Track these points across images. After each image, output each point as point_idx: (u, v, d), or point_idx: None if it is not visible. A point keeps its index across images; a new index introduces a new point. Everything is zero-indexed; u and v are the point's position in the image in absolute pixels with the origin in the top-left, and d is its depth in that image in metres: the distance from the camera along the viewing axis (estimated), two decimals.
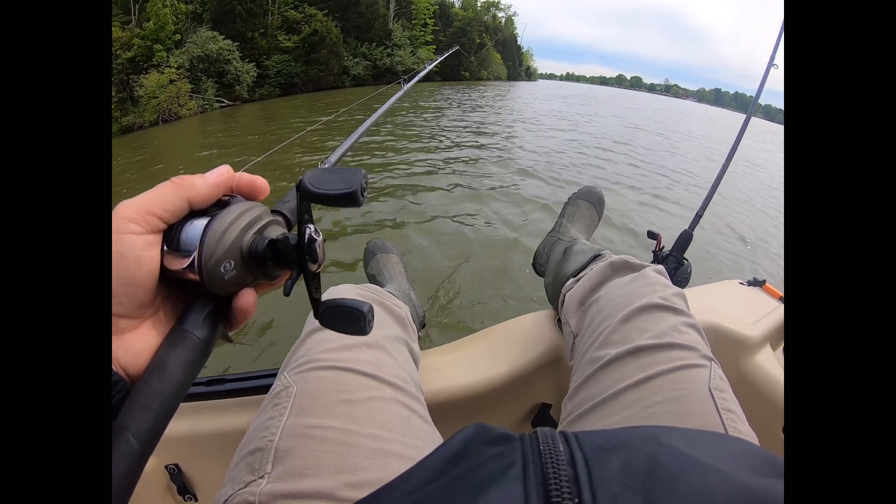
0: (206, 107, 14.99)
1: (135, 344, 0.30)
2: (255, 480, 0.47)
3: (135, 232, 0.29)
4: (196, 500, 0.89)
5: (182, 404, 0.30)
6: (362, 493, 0.45)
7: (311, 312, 0.70)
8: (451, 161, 5.70)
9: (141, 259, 0.29)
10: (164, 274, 0.31)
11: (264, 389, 0.80)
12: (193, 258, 0.30)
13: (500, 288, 2.44)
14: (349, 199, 0.30)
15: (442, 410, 0.79)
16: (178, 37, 15.67)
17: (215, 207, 0.33)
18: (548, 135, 8.53)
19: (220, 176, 0.34)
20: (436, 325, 2.07)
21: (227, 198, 0.34)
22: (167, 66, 14.42)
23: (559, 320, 0.89)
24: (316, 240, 0.33)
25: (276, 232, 0.35)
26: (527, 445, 0.27)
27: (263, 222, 0.34)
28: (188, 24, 16.54)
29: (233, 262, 0.32)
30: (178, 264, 0.31)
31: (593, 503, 0.22)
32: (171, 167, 7.23)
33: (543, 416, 0.92)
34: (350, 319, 0.34)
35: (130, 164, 7.93)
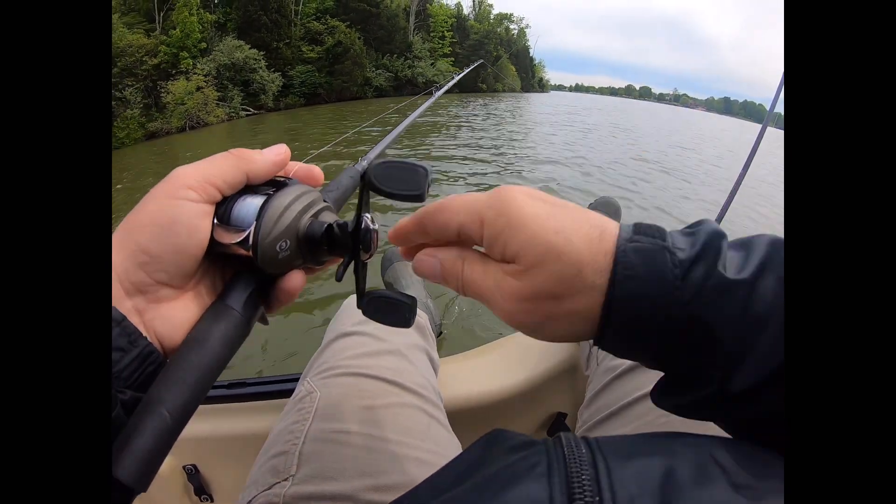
0: (233, 115, 15.26)
1: (174, 315, 0.30)
2: (279, 483, 0.48)
3: (192, 199, 0.29)
4: (212, 501, 0.90)
5: (202, 406, 0.29)
6: (385, 497, 0.46)
7: (332, 321, 0.71)
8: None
9: (195, 227, 0.29)
10: (210, 247, 0.31)
11: (285, 394, 0.81)
12: (248, 234, 0.30)
13: None
14: (415, 199, 0.31)
15: (459, 418, 0.79)
16: (203, 45, 16.01)
17: (267, 187, 0.33)
18: None
19: (279, 155, 0.34)
20: (452, 333, 2.07)
21: (281, 178, 0.34)
22: (194, 73, 14.73)
23: None
24: (371, 228, 0.33)
25: (330, 218, 0.35)
26: (551, 448, 0.27)
27: (318, 207, 0.34)
28: (213, 32, 16.91)
29: (288, 242, 0.31)
30: (230, 238, 0.30)
31: (613, 503, 0.23)
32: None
33: (559, 425, 0.92)
34: (393, 310, 0.34)
35: (154, 166, 8.10)
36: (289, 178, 0.35)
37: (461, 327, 2.09)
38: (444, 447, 0.57)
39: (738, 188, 1.35)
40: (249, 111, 16.14)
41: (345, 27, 20.99)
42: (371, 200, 0.34)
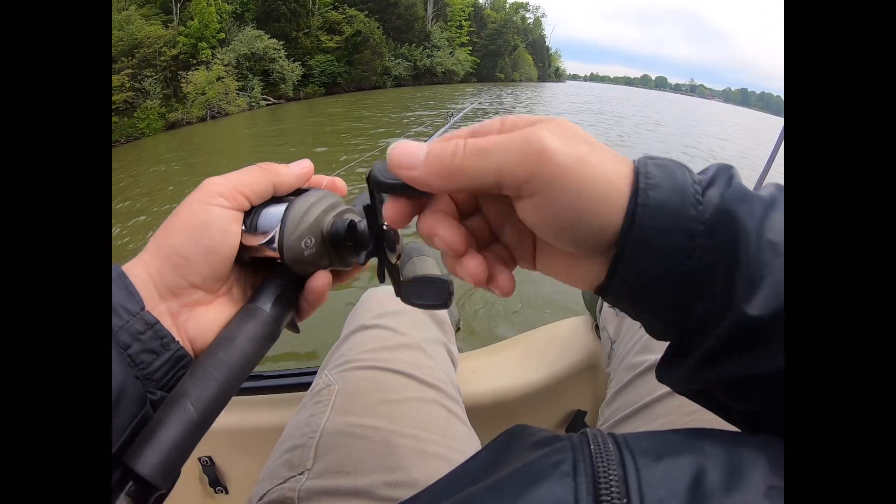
0: (253, 104, 15.39)
1: (206, 319, 0.32)
2: (294, 476, 0.48)
3: (222, 205, 0.31)
4: (227, 493, 0.90)
5: None
6: (401, 493, 0.45)
7: (351, 314, 0.71)
8: None
9: (226, 231, 0.31)
10: (239, 254, 0.32)
11: (301, 387, 0.81)
12: (274, 234, 0.32)
13: (535, 292, 2.42)
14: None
15: (477, 414, 0.79)
16: (222, 35, 16.10)
17: (292, 196, 0.35)
18: None
19: (303, 168, 0.36)
20: (470, 329, 2.07)
21: (304, 189, 0.36)
22: (214, 63, 14.85)
23: (597, 326, 0.88)
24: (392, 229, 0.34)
25: (354, 217, 0.36)
26: (576, 444, 0.26)
27: (342, 208, 0.36)
28: (231, 23, 16.99)
29: (313, 240, 0.33)
30: (257, 240, 0.32)
31: None
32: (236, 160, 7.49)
33: (578, 423, 0.91)
34: (431, 290, 0.34)
35: (180, 159, 8.24)
36: (312, 188, 0.36)
37: (479, 322, 2.09)
38: (463, 443, 0.56)
39: (762, 183, 1.31)
40: (269, 100, 16.25)
41: (363, 16, 20.95)
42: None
